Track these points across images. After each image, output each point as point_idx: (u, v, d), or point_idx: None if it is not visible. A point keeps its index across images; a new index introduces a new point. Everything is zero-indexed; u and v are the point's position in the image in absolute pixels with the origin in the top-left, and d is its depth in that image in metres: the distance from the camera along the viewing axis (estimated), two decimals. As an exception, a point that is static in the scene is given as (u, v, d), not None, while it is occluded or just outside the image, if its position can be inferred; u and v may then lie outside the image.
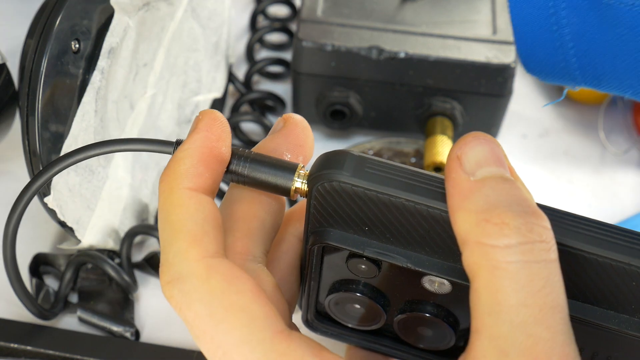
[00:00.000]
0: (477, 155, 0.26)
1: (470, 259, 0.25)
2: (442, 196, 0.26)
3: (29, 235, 0.53)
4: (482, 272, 0.25)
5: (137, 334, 0.48)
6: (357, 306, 0.31)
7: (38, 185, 0.33)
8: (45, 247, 0.51)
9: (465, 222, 0.25)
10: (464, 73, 0.54)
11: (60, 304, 0.47)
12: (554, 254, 0.25)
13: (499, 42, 0.55)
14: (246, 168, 0.29)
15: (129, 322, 0.47)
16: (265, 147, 0.31)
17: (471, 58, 0.54)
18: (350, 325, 0.32)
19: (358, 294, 0.30)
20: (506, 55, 0.55)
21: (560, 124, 0.63)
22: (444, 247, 0.27)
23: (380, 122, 0.59)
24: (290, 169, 0.29)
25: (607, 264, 0.26)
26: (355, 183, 0.27)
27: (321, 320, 0.32)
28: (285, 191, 0.29)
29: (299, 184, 0.29)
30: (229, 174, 0.29)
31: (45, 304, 0.47)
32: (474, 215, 0.25)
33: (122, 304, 0.48)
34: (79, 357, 0.45)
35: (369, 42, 0.54)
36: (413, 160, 0.56)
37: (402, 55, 0.54)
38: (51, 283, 0.49)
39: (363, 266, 0.29)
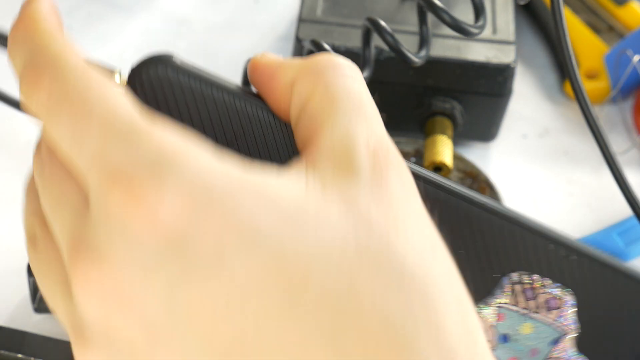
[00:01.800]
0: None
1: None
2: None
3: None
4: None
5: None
6: None
7: None
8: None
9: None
10: (464, 73, 0.54)
11: None
12: None
13: (499, 42, 0.55)
14: None
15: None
16: None
17: (471, 58, 0.54)
18: None
19: None
20: (506, 55, 0.55)
21: (560, 124, 0.63)
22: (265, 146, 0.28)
23: (380, 122, 0.58)
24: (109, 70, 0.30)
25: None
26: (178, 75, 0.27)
27: None
28: None
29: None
30: None
31: (42, 303, 0.46)
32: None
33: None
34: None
35: (369, 42, 0.54)
36: (413, 159, 0.56)
37: (402, 55, 0.54)
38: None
39: None
